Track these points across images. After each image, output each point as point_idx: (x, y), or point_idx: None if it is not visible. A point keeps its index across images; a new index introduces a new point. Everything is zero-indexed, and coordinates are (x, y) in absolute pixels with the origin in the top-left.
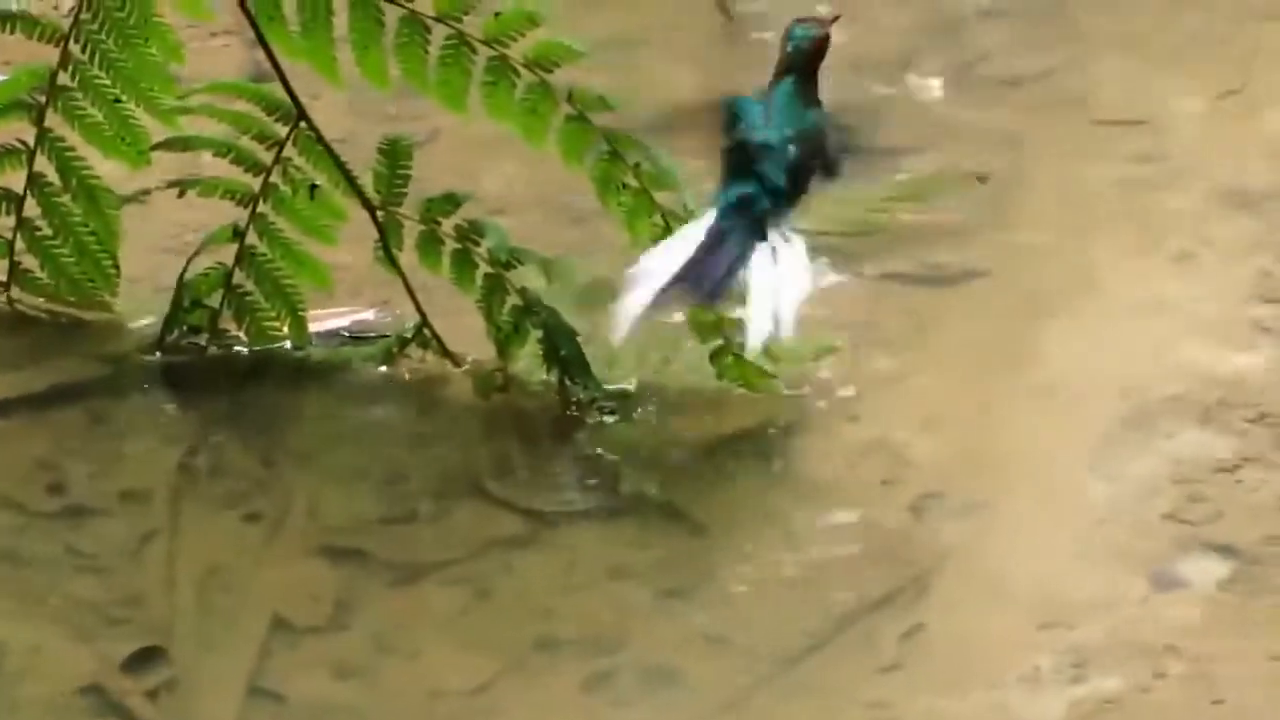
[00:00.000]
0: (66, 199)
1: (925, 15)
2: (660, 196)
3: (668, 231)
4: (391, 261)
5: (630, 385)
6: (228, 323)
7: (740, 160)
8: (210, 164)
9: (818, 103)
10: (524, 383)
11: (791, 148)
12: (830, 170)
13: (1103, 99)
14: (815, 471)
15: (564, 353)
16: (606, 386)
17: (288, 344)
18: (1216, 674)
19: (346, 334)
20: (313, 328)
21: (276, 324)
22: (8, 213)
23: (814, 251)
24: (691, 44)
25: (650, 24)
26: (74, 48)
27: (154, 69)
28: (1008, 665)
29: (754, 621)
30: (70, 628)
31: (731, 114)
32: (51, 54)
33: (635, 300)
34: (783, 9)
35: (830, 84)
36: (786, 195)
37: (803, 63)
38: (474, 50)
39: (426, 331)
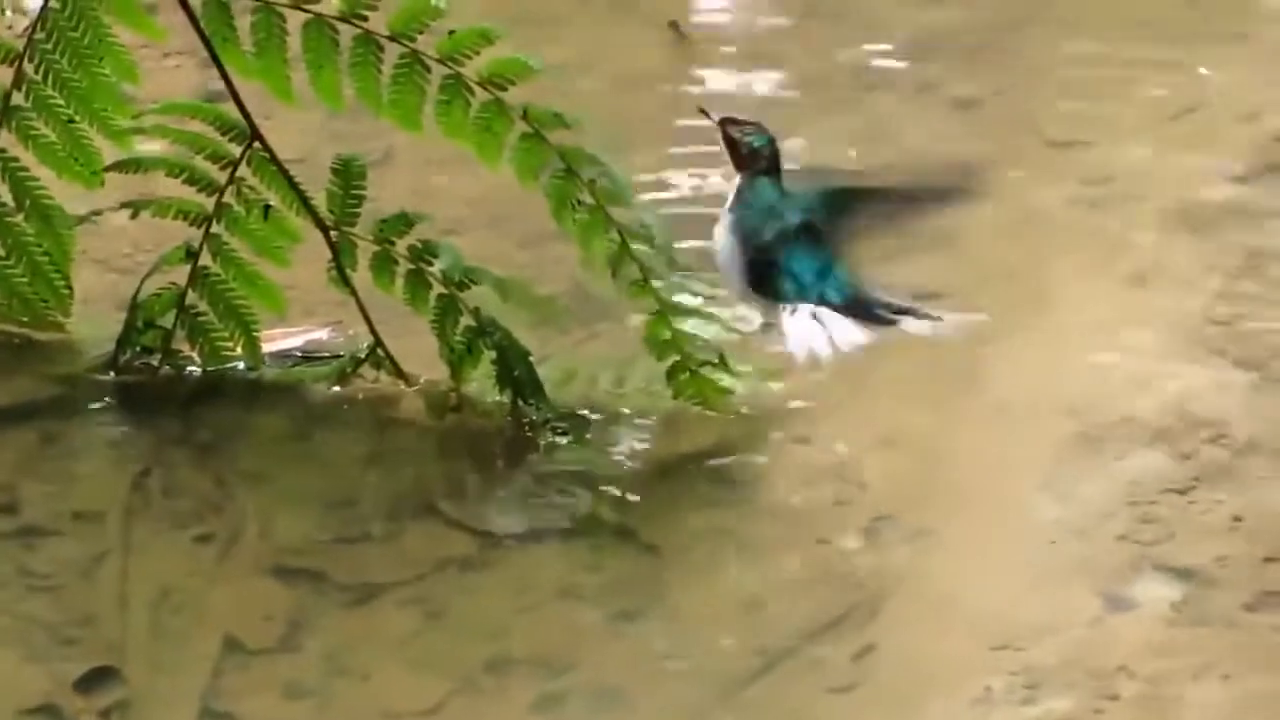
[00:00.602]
0: (19, 219)
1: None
2: (615, 212)
3: (623, 247)
4: (345, 282)
5: (584, 409)
6: (181, 343)
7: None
8: (164, 184)
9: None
10: (477, 403)
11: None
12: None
13: (1054, 121)
14: (769, 493)
15: (517, 373)
16: (559, 407)
17: (241, 364)
18: (1169, 695)
19: (300, 354)
20: (266, 348)
21: (230, 344)
22: None
23: None
24: (645, 65)
25: (605, 45)
26: (28, 67)
27: (108, 89)
28: (960, 686)
29: (706, 642)
30: (23, 647)
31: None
32: (5, 74)
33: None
34: (734, 30)
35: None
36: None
37: (772, 164)
38: (428, 69)
39: (380, 351)
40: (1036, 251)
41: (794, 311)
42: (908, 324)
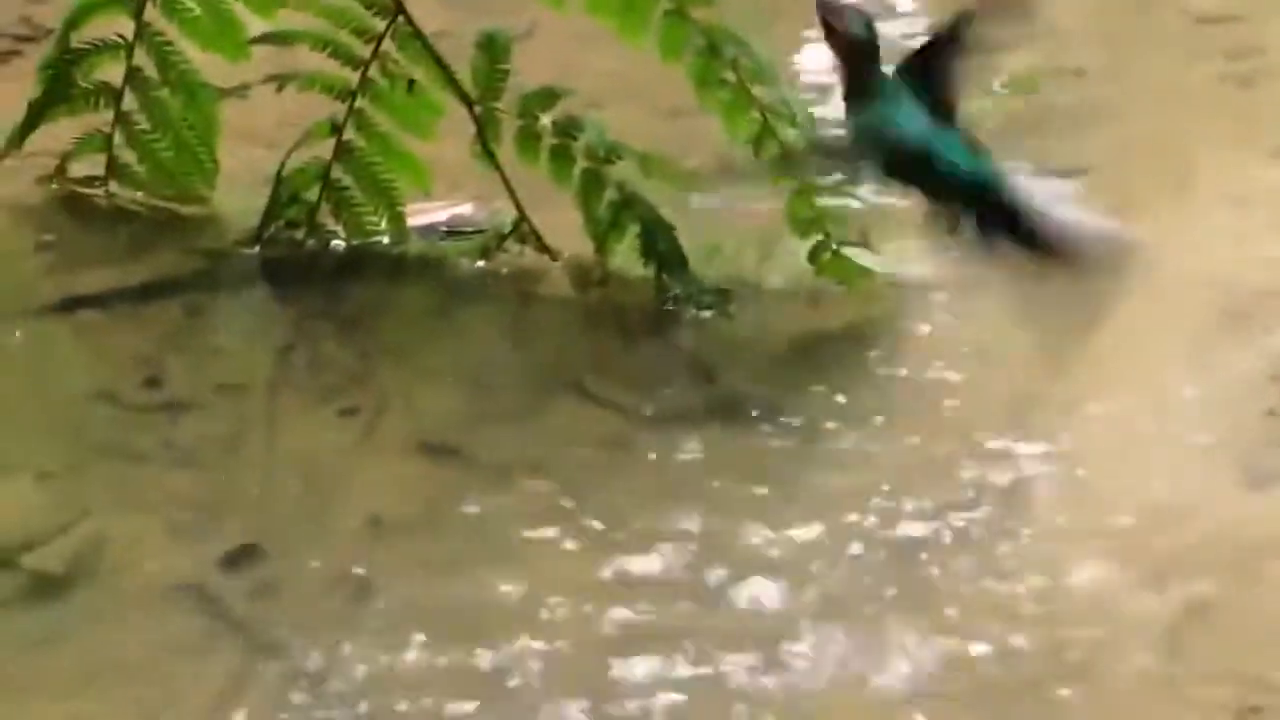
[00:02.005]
0: (165, 93)
1: None
2: (758, 91)
3: (765, 127)
4: (489, 156)
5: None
6: (325, 217)
7: None
8: (309, 58)
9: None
10: (622, 278)
11: None
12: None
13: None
14: (913, 371)
15: (661, 248)
16: (703, 282)
17: (385, 239)
18: None
19: (444, 229)
20: (410, 222)
21: (374, 219)
22: (107, 106)
23: None
24: None
25: None
26: None
27: None
28: (1110, 566)
29: (841, 528)
30: (168, 522)
31: None
32: None
33: None
34: None
35: None
36: None
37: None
38: None
39: (524, 226)
40: (1181, 126)
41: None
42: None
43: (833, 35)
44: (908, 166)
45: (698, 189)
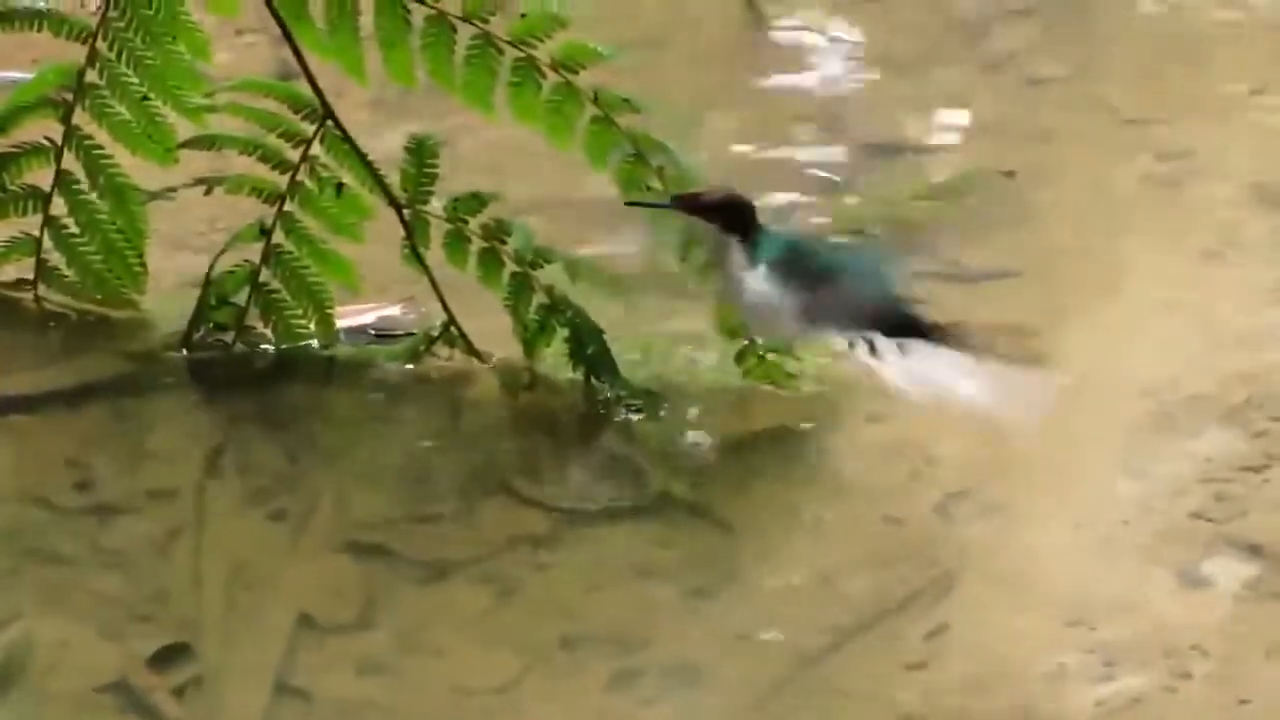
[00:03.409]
0: (94, 196)
1: (947, 15)
2: None
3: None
4: (418, 259)
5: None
6: (255, 320)
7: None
8: (237, 162)
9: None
10: (551, 381)
11: None
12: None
13: (1128, 97)
14: (841, 470)
15: (590, 351)
16: (632, 385)
17: (314, 342)
18: (1242, 674)
19: (373, 331)
20: (339, 324)
21: (303, 322)
22: (35, 210)
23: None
24: (718, 42)
25: (676, 22)
26: (101, 45)
27: (181, 67)
28: (1034, 664)
29: (779, 620)
30: (97, 624)
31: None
32: (79, 52)
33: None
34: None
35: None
36: None
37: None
38: (500, 51)
39: (453, 329)
40: (1111, 228)
41: (869, 344)
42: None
43: (703, 209)
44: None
45: (625, 293)
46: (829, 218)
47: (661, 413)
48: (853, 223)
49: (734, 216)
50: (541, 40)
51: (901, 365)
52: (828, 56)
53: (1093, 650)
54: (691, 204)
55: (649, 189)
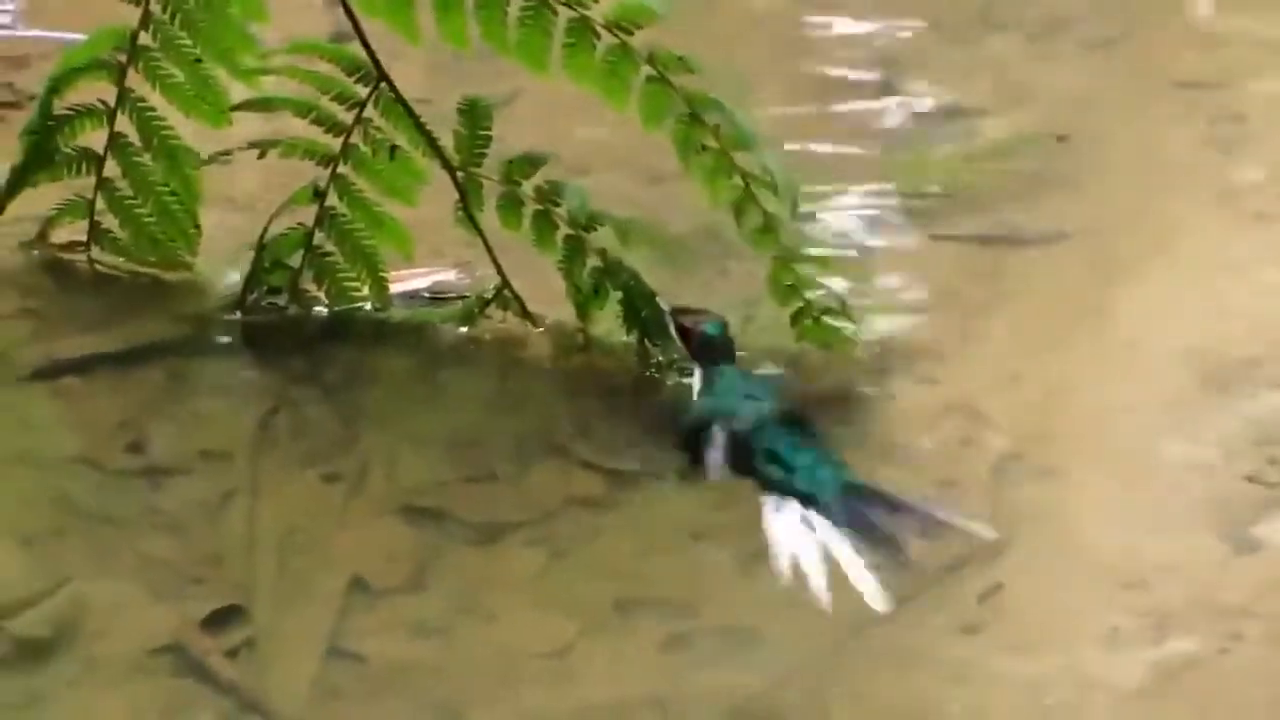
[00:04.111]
0: (147, 159)
1: None
2: (739, 157)
3: (747, 193)
4: (472, 222)
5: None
6: (308, 283)
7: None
8: (291, 124)
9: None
10: (604, 344)
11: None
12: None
13: (1180, 61)
14: (894, 433)
15: (644, 314)
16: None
17: (368, 305)
18: None
19: (427, 294)
20: (393, 288)
21: (357, 285)
22: (88, 172)
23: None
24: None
25: None
26: (155, 7)
27: (235, 29)
28: (1086, 626)
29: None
30: (150, 586)
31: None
32: (132, 14)
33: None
34: None
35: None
36: None
37: (727, 351)
38: (554, 11)
39: (507, 292)
40: (1163, 191)
41: (778, 508)
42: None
43: (686, 334)
44: (737, 453)
45: (679, 256)
46: (883, 180)
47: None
48: (907, 184)
49: (704, 351)
50: (596, 0)
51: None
52: (881, 19)
53: (1145, 613)
54: (679, 326)
55: (704, 149)
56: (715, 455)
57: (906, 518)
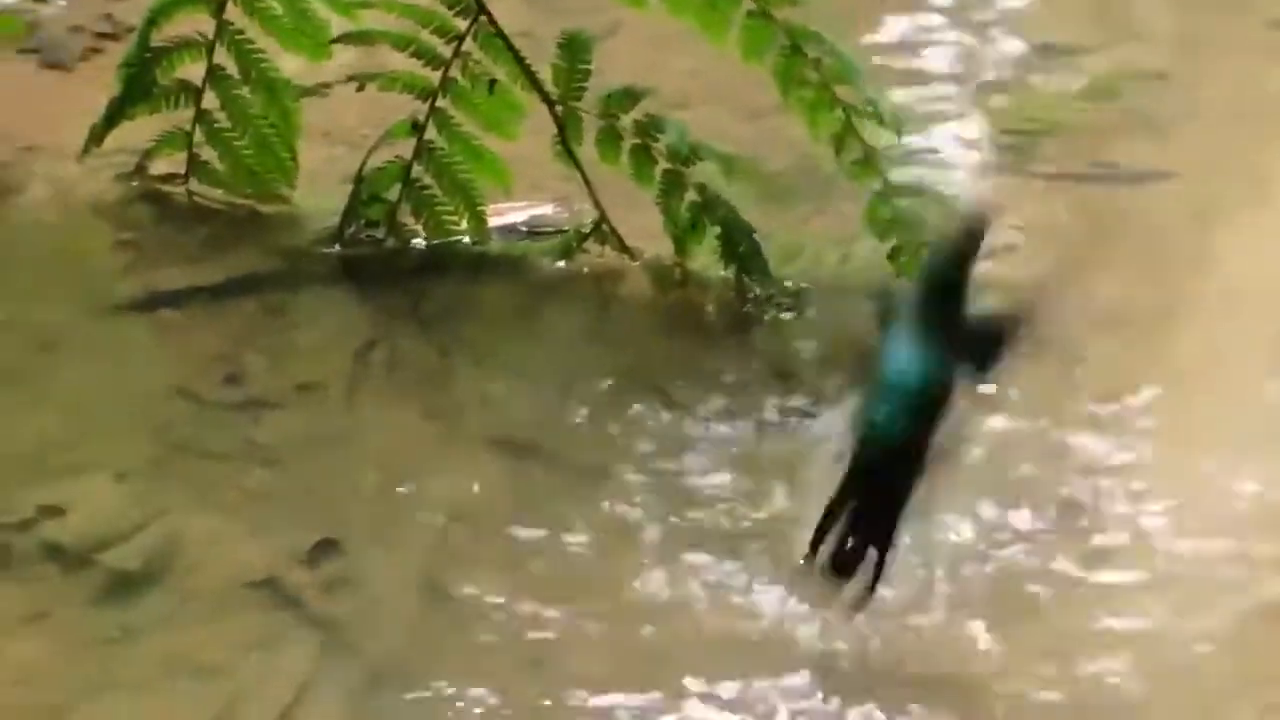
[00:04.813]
0: (245, 91)
1: None
2: (841, 91)
3: (848, 126)
4: (570, 156)
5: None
6: (406, 216)
7: None
8: (390, 58)
9: None
10: (701, 278)
11: None
12: None
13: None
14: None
15: (741, 249)
16: (784, 283)
17: (466, 238)
18: None
19: (525, 229)
20: (491, 222)
21: (455, 218)
22: (187, 104)
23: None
24: None
25: None
26: None
27: None
28: (1190, 572)
29: (928, 527)
30: (246, 520)
31: None
32: None
33: None
34: None
35: None
36: None
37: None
38: None
39: (605, 226)
40: (1261, 132)
41: None
42: None
43: None
44: None
45: (778, 191)
46: (983, 118)
47: (812, 311)
48: (1009, 121)
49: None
50: None
51: None
52: None
53: (1245, 557)
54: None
55: (805, 82)
56: None
57: None
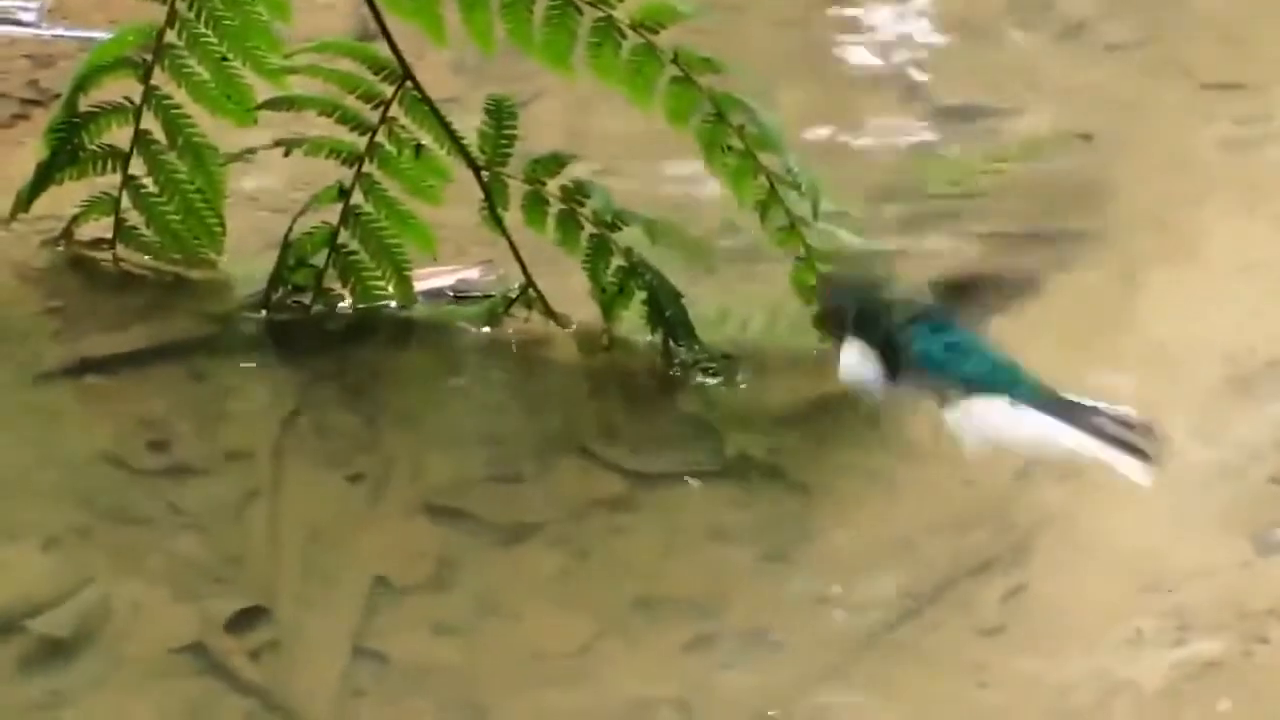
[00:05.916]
0: (172, 156)
1: None
2: (764, 158)
3: (772, 193)
4: (496, 221)
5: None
6: (333, 281)
7: None
8: (316, 123)
9: None
10: (628, 343)
11: None
12: None
13: (1204, 62)
14: (917, 433)
15: (668, 314)
16: (710, 348)
17: (392, 304)
18: None
19: (451, 293)
20: (418, 286)
21: (381, 283)
22: (114, 169)
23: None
24: (797, 5)
25: None
26: (181, 6)
27: (260, 28)
28: (1109, 628)
29: (855, 584)
30: (173, 586)
31: None
32: (158, 12)
33: None
34: None
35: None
36: None
37: None
38: (579, 11)
39: (531, 291)
40: (1188, 193)
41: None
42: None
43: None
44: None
45: (704, 256)
46: (906, 181)
47: (739, 376)
48: (933, 184)
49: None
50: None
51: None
52: (903, 22)
53: (1168, 615)
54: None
55: (729, 149)
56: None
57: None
